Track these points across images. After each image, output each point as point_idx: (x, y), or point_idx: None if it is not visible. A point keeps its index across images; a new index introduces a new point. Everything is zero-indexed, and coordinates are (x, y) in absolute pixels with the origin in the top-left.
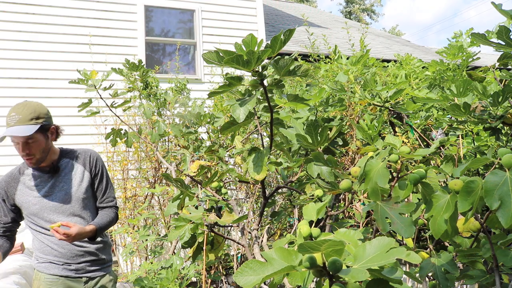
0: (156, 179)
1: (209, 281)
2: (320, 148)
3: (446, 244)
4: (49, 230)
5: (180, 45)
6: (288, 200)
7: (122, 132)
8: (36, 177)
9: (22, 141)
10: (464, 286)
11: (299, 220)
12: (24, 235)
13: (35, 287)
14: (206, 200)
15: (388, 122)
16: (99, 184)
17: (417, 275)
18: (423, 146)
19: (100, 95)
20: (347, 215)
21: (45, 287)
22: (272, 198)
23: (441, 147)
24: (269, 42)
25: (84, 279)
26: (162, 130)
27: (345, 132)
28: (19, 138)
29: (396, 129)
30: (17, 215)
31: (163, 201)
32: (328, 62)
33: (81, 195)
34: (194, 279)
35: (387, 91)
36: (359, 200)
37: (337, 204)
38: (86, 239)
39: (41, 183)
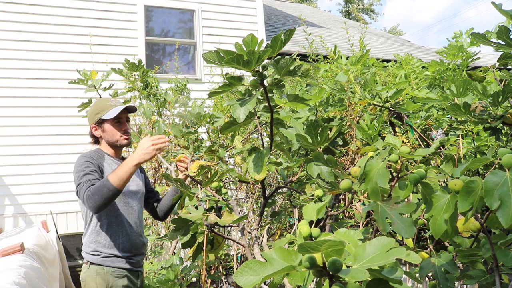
0: (156, 179)
1: (209, 281)
2: (320, 148)
3: (446, 244)
4: (122, 216)
5: (180, 45)
6: (288, 200)
7: None
8: (113, 163)
9: (126, 117)
10: (464, 286)
11: (299, 220)
12: (24, 235)
13: (100, 281)
14: (206, 200)
15: (388, 122)
16: (149, 184)
17: (417, 275)
18: (423, 146)
19: (100, 95)
20: (347, 215)
21: (113, 279)
22: (272, 198)
23: (441, 147)
24: (269, 42)
25: (139, 273)
26: (162, 130)
27: (345, 132)
28: (126, 114)
29: (396, 129)
30: None
31: None
32: (328, 62)
33: (143, 189)
34: (194, 279)
35: (387, 91)
36: (359, 200)
37: (337, 204)
38: (142, 236)
39: None
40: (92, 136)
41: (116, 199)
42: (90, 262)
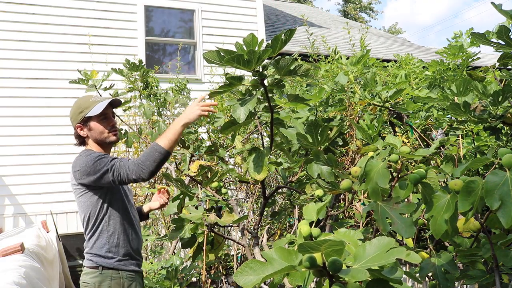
0: (156, 179)
1: (209, 281)
2: (321, 148)
3: (446, 244)
4: (130, 214)
5: (181, 45)
6: (288, 200)
7: (122, 132)
8: None
9: (111, 112)
10: (464, 286)
11: (299, 220)
12: (24, 235)
13: (115, 286)
14: (206, 200)
15: (388, 122)
16: None
17: (417, 275)
18: (423, 146)
19: (101, 95)
20: (347, 215)
21: (128, 283)
22: (272, 198)
23: (441, 147)
24: (269, 42)
25: (142, 274)
26: (162, 130)
27: (345, 132)
28: (111, 109)
29: (396, 129)
30: None
31: None
32: (328, 62)
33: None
34: (194, 279)
35: (387, 91)
36: (359, 200)
37: (337, 204)
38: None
39: None
40: (78, 137)
41: (121, 198)
42: (103, 267)
